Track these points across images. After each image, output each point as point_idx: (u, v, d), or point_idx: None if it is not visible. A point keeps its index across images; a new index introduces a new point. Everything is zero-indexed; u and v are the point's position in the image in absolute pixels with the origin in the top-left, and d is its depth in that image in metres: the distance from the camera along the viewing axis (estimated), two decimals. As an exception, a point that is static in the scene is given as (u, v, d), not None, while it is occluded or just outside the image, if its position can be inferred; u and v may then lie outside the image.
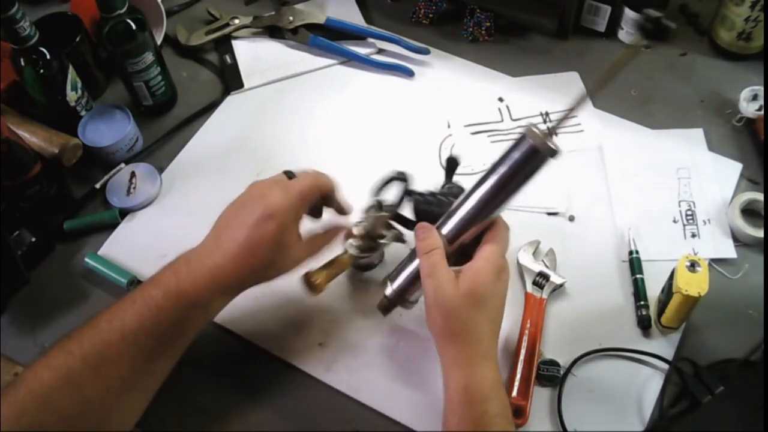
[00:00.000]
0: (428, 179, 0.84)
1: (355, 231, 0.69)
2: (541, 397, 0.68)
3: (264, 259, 0.62)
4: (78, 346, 0.58)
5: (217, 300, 0.63)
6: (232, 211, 0.64)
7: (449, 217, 0.63)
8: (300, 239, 0.65)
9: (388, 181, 0.71)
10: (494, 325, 0.61)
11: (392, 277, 0.67)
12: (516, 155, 0.58)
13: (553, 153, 0.57)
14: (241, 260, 0.61)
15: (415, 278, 0.64)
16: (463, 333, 0.59)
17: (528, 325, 0.71)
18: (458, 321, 0.59)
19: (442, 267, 0.60)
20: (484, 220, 0.62)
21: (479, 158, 0.86)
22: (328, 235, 0.69)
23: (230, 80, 0.96)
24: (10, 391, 0.57)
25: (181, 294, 0.60)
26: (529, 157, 0.58)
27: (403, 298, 0.66)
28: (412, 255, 0.65)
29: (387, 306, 0.67)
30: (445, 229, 0.63)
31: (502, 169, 0.59)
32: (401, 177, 0.70)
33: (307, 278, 0.67)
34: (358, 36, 0.99)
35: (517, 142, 0.59)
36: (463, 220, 0.62)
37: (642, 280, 0.74)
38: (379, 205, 0.70)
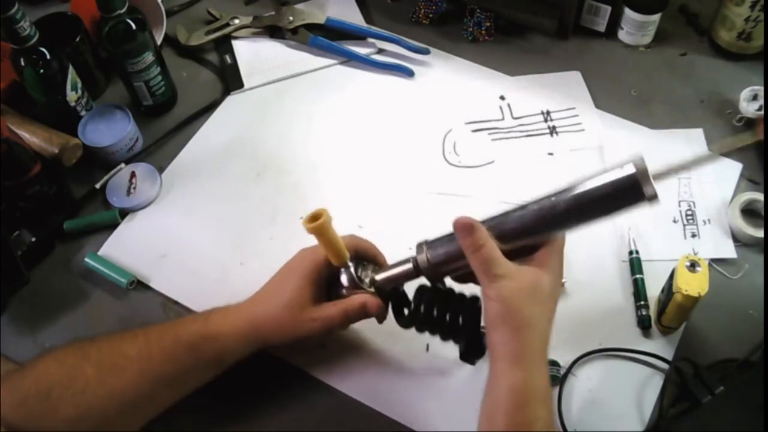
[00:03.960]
0: (429, 179, 0.85)
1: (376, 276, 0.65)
2: (541, 397, 0.68)
3: (287, 298, 0.64)
4: (97, 351, 0.60)
5: (237, 350, 0.64)
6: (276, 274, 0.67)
7: (508, 216, 0.58)
8: (323, 298, 0.66)
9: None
10: (550, 327, 0.58)
11: (430, 246, 0.61)
12: (609, 179, 0.53)
13: (653, 197, 0.52)
14: (266, 300, 0.65)
15: (456, 256, 0.59)
16: (524, 328, 0.55)
17: (528, 325, 0.71)
18: (520, 315, 0.55)
19: (497, 260, 0.55)
20: (545, 235, 0.57)
21: (480, 155, 0.86)
22: (353, 299, 0.64)
23: (230, 80, 0.96)
24: (17, 376, 0.58)
25: (207, 338, 0.63)
26: (625, 187, 0.52)
27: (438, 271, 0.60)
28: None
29: (414, 274, 0.62)
30: (499, 226, 0.57)
31: (585, 188, 0.54)
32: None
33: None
34: (358, 36, 0.99)
35: (620, 166, 0.53)
36: (523, 226, 0.57)
37: (642, 280, 0.74)
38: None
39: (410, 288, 0.65)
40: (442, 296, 0.63)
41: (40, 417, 0.56)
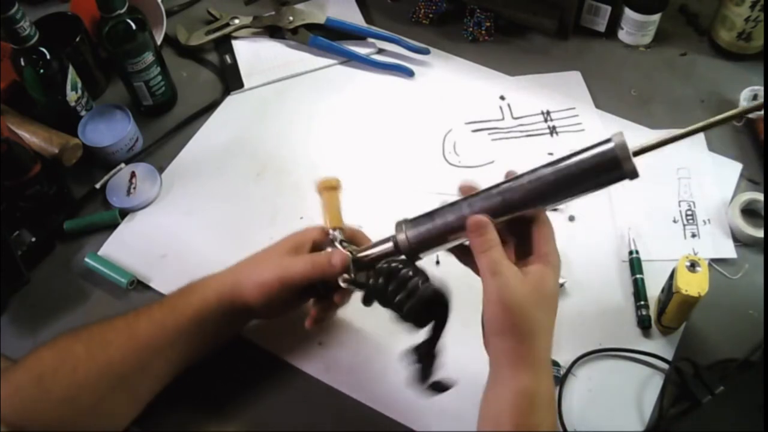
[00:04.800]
0: (429, 179, 0.85)
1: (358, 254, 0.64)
2: (541, 397, 0.68)
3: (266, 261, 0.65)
4: (87, 331, 0.62)
5: (220, 319, 0.65)
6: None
7: (489, 197, 0.57)
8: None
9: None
10: (553, 329, 0.58)
11: (410, 225, 0.60)
12: (590, 156, 0.53)
13: (633, 174, 0.52)
14: (249, 264, 0.66)
15: (442, 236, 0.58)
16: (528, 334, 0.54)
17: (528, 325, 0.71)
18: (526, 320, 0.54)
19: (505, 263, 0.55)
20: (525, 211, 0.57)
21: (480, 155, 0.86)
22: (328, 253, 0.64)
23: (230, 80, 0.96)
24: (11, 369, 0.58)
25: (186, 293, 0.64)
26: (605, 164, 0.53)
27: (417, 249, 0.59)
28: (447, 210, 0.59)
29: (394, 252, 0.60)
30: (486, 203, 0.57)
31: (565, 165, 0.54)
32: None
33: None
34: (358, 36, 0.99)
35: (600, 143, 0.54)
36: (502, 205, 0.56)
37: (642, 280, 0.74)
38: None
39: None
40: (403, 273, 0.59)
41: (34, 404, 0.56)
